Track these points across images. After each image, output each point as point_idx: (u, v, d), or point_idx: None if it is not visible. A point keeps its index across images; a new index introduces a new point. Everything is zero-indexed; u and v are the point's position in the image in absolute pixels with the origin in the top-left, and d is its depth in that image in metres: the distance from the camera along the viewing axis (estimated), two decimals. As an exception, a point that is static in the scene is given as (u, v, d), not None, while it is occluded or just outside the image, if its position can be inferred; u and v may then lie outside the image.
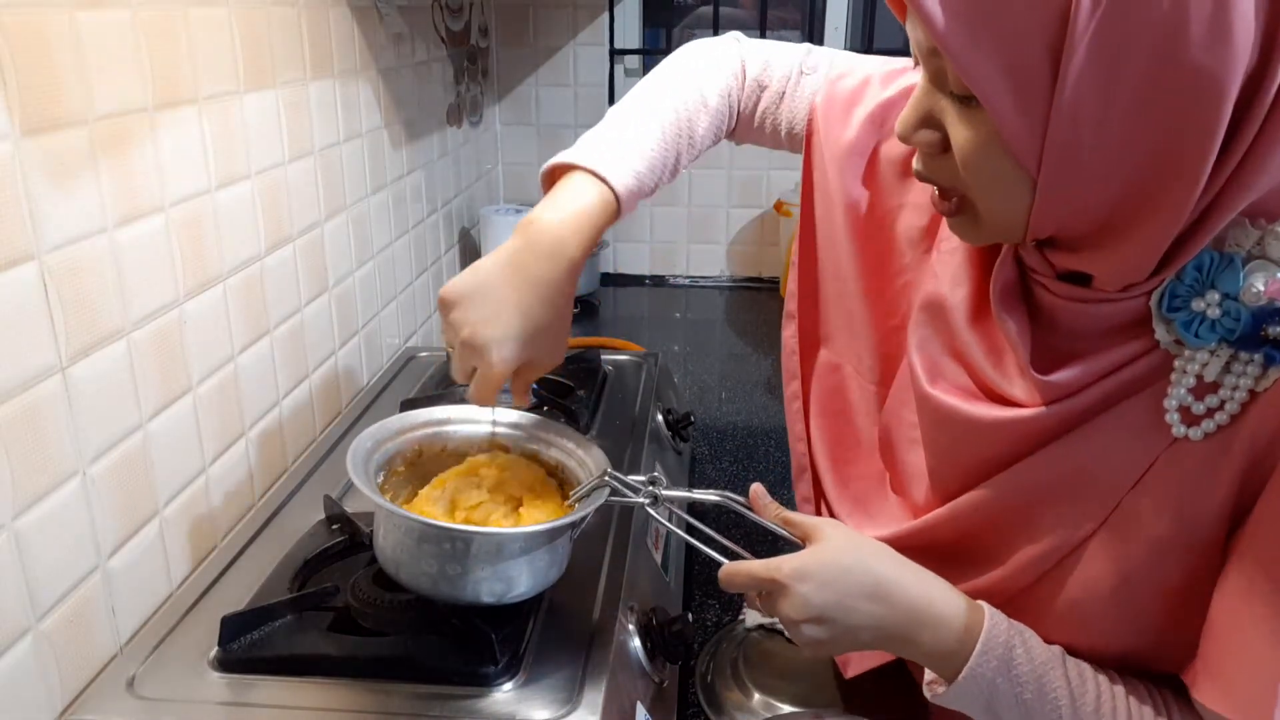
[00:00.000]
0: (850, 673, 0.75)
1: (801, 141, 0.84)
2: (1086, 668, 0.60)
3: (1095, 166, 0.51)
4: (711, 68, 0.85)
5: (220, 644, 0.72)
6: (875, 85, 0.79)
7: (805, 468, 0.86)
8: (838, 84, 0.82)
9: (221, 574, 0.84)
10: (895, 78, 0.79)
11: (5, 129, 0.63)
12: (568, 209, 0.74)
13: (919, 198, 0.75)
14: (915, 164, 0.61)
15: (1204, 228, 0.51)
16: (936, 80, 0.56)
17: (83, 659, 0.73)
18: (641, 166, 0.78)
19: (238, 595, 0.79)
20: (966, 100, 0.54)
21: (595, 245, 0.76)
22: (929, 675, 0.64)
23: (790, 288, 0.86)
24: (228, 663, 0.71)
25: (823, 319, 0.84)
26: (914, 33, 0.56)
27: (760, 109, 0.87)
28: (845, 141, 0.79)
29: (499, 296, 0.72)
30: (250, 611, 0.74)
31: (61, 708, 0.70)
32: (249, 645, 0.72)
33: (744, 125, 0.88)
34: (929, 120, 0.58)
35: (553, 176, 0.78)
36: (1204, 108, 0.47)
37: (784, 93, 0.85)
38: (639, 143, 0.78)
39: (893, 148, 0.77)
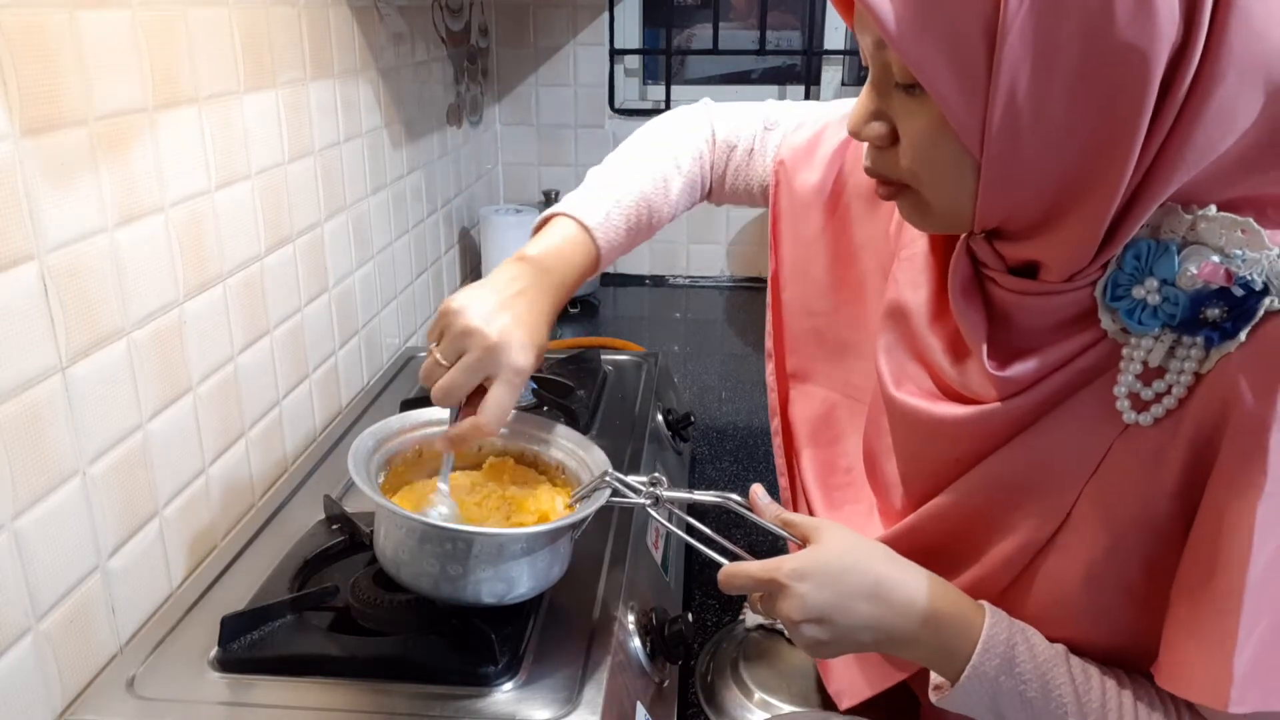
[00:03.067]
0: (845, 704, 0.75)
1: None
2: (1091, 666, 0.60)
3: (1034, 147, 0.52)
4: (683, 135, 0.89)
5: (220, 644, 0.72)
6: (833, 128, 0.83)
7: (788, 500, 0.87)
8: (798, 134, 0.86)
9: (221, 574, 0.84)
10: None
11: (5, 129, 0.63)
12: (561, 249, 0.79)
13: (885, 227, 0.77)
14: (865, 159, 0.63)
15: (1138, 208, 0.53)
16: (883, 74, 0.58)
17: (83, 659, 0.73)
18: (616, 215, 0.82)
19: (238, 595, 0.79)
20: (912, 89, 0.56)
21: (578, 281, 0.80)
22: (934, 679, 0.64)
23: (768, 328, 0.88)
24: (228, 663, 0.71)
25: (800, 356, 0.85)
26: (860, 29, 0.59)
27: (732, 168, 0.91)
28: (812, 183, 0.82)
29: (516, 311, 0.72)
30: (250, 611, 0.74)
31: (61, 708, 0.70)
32: (249, 645, 0.72)
33: (719, 186, 0.92)
34: (878, 114, 0.60)
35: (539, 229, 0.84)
36: (1132, 84, 0.48)
37: (752, 149, 0.89)
38: (614, 194, 0.83)
39: (856, 180, 0.80)
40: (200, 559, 0.88)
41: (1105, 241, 0.54)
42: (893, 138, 0.59)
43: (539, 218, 0.83)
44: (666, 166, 0.86)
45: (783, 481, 0.88)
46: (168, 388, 0.83)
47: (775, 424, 0.88)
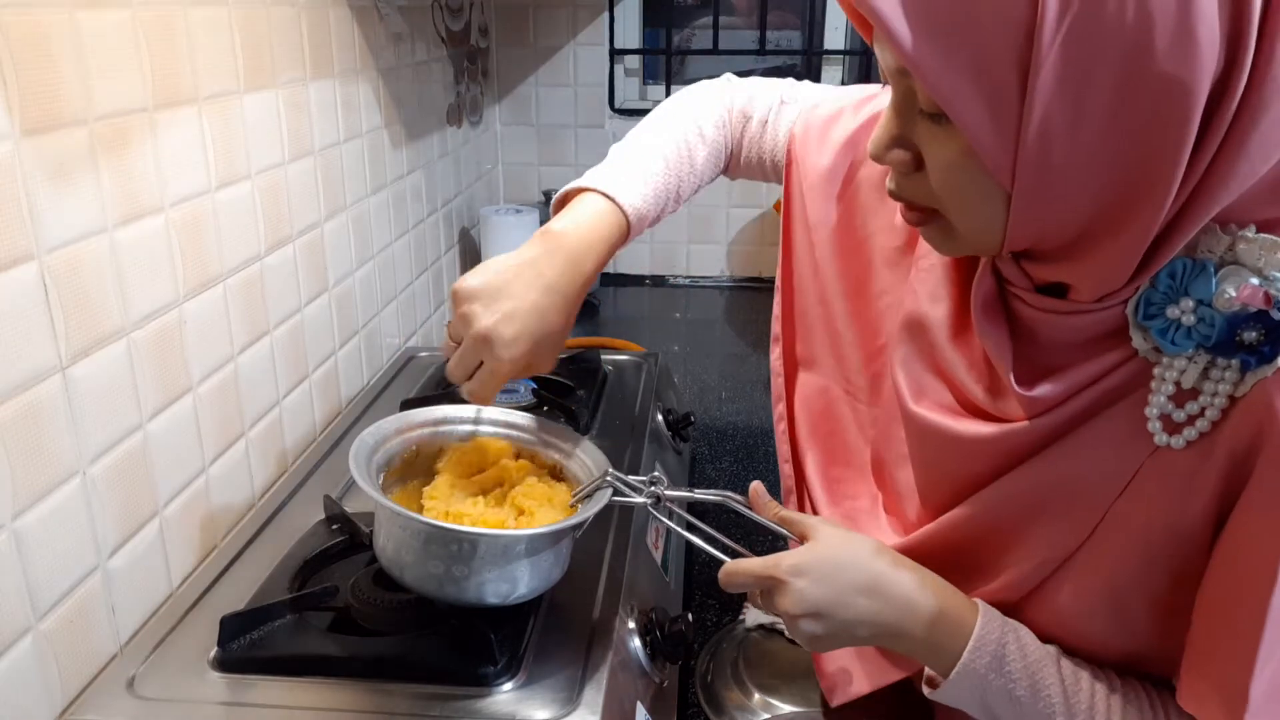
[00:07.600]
0: (835, 701, 0.75)
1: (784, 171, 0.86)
2: (1083, 668, 0.60)
3: (1068, 178, 0.51)
4: (705, 104, 0.89)
5: (220, 644, 0.72)
6: (849, 112, 0.81)
7: (791, 489, 0.86)
8: (814, 113, 0.84)
9: (221, 574, 0.84)
10: (868, 103, 0.80)
11: (5, 129, 0.63)
12: (584, 224, 0.77)
13: (893, 218, 0.75)
14: (889, 183, 0.61)
15: (1176, 234, 0.51)
16: (906, 100, 0.56)
17: (83, 659, 0.73)
18: (647, 191, 0.81)
19: (238, 595, 0.79)
20: (937, 118, 0.54)
21: (607, 262, 0.78)
22: (927, 673, 0.64)
23: (775, 311, 0.87)
24: (228, 663, 0.71)
25: (806, 343, 0.84)
26: (882, 53, 0.56)
27: (747, 139, 0.89)
28: (823, 167, 0.80)
29: (518, 296, 0.73)
30: (250, 611, 0.74)
31: (61, 708, 0.70)
32: (249, 645, 0.72)
33: (734, 159, 0.91)
34: (900, 140, 0.58)
35: (563, 202, 0.81)
36: (1173, 116, 0.47)
37: (766, 121, 0.88)
38: (644, 170, 0.82)
39: (869, 170, 0.78)
40: (200, 559, 0.88)
41: (1142, 264, 0.53)
42: (916, 164, 0.58)
43: (560, 192, 0.81)
44: (690, 135, 0.85)
45: (785, 469, 0.86)
46: (168, 388, 0.83)
47: (780, 409, 0.86)
